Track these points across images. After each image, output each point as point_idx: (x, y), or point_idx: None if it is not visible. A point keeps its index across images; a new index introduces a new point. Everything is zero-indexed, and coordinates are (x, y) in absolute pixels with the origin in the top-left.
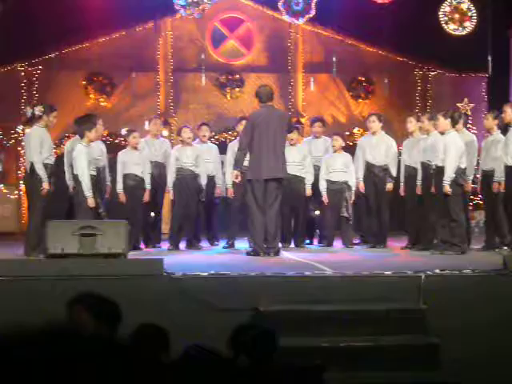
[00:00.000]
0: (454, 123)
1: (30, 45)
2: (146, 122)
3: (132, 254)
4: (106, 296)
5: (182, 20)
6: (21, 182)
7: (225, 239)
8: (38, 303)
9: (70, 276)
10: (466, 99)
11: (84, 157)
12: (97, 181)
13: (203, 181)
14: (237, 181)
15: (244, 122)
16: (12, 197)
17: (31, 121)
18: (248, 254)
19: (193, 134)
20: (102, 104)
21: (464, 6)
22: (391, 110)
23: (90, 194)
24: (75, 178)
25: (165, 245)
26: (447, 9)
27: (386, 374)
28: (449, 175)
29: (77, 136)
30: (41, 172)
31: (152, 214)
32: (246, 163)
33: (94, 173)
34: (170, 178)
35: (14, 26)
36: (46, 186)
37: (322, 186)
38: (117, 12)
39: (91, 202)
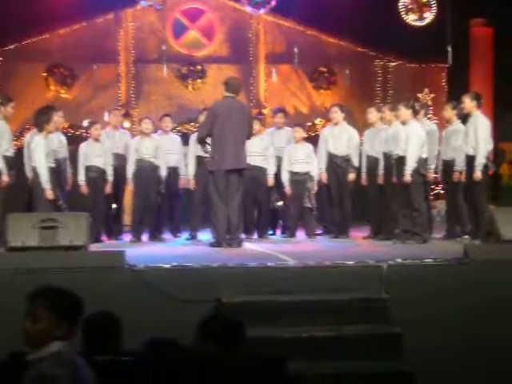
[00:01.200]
0: (415, 113)
1: None
2: (106, 114)
3: (94, 247)
4: (67, 289)
5: (142, 11)
6: None
7: (187, 231)
8: None
9: (30, 269)
10: (426, 90)
11: (41, 149)
12: (56, 173)
13: (163, 172)
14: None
15: (206, 112)
16: None
17: None
18: (211, 245)
19: (153, 125)
20: (62, 96)
21: None
22: (352, 101)
23: (48, 186)
24: (34, 170)
25: (127, 237)
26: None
27: (349, 364)
28: (410, 165)
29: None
30: (0, 165)
31: (114, 205)
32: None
33: (53, 165)
34: (130, 169)
35: None
36: (5, 178)
37: (285, 177)
38: (77, 3)
39: (50, 194)
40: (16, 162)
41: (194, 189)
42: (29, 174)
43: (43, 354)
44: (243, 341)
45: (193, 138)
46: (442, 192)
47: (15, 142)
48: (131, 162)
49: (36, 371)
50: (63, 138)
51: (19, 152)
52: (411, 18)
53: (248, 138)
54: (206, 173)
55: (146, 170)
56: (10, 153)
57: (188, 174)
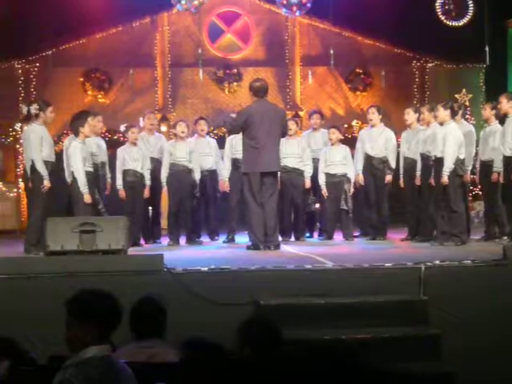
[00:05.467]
0: (454, 114)
1: (27, 42)
2: (140, 119)
3: (132, 250)
4: (101, 295)
5: (178, 15)
6: (20, 179)
7: (225, 233)
8: (38, 301)
9: (70, 273)
10: (463, 90)
11: (78, 153)
12: (95, 177)
13: (197, 176)
14: None
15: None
16: (11, 195)
17: (29, 119)
18: (248, 248)
19: (188, 128)
20: (100, 100)
21: None
22: (389, 102)
23: (85, 190)
24: (72, 174)
25: (165, 240)
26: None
27: (389, 366)
28: (448, 166)
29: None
30: (41, 169)
31: (151, 209)
32: (241, 156)
33: (91, 169)
34: (164, 173)
35: (11, 23)
36: (46, 183)
37: (321, 180)
38: (113, 8)
39: (87, 198)
40: (56, 166)
41: (229, 191)
42: (68, 178)
43: (79, 359)
44: (280, 344)
45: (228, 140)
46: (480, 193)
47: (54, 147)
48: (165, 165)
49: (60, 378)
50: (102, 143)
51: (58, 157)
52: (448, 18)
53: (283, 136)
54: (241, 176)
55: (180, 174)
56: (51, 158)
57: (223, 176)
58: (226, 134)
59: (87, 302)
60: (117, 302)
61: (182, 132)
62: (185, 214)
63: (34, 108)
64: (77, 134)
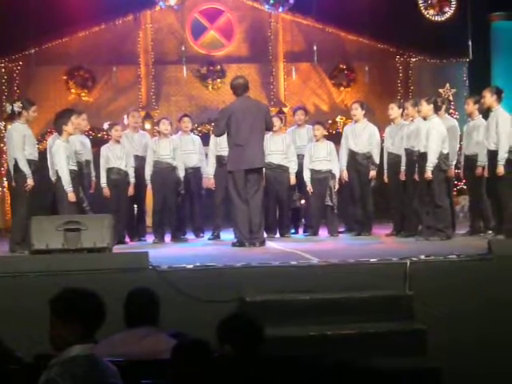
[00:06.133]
0: (437, 109)
1: (10, 40)
2: (125, 116)
3: (117, 248)
4: (83, 293)
5: (161, 12)
6: (4, 178)
7: (210, 231)
8: (23, 300)
9: (55, 272)
10: (447, 85)
11: (62, 151)
12: (79, 175)
13: (181, 173)
14: None
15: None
16: None
17: (12, 117)
18: (233, 244)
19: (172, 126)
20: (83, 99)
21: None
22: (373, 98)
23: (70, 189)
24: (56, 173)
25: (150, 238)
26: None
27: (374, 361)
28: (431, 161)
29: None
30: (25, 168)
31: (135, 207)
32: (225, 153)
33: (75, 167)
34: (148, 170)
35: None
36: (30, 182)
37: (306, 176)
38: (96, 6)
39: (72, 197)
40: (40, 165)
41: (214, 188)
42: (52, 177)
43: (63, 358)
44: (262, 341)
45: (213, 138)
46: (464, 187)
47: (38, 146)
48: (149, 163)
49: (45, 377)
50: (87, 141)
51: (42, 155)
52: (431, 13)
53: (268, 131)
54: (226, 173)
55: (164, 171)
56: (34, 156)
57: (207, 173)
58: (211, 132)
59: (70, 301)
60: (101, 301)
61: (166, 129)
62: (169, 212)
63: (17, 106)
64: (60, 133)
